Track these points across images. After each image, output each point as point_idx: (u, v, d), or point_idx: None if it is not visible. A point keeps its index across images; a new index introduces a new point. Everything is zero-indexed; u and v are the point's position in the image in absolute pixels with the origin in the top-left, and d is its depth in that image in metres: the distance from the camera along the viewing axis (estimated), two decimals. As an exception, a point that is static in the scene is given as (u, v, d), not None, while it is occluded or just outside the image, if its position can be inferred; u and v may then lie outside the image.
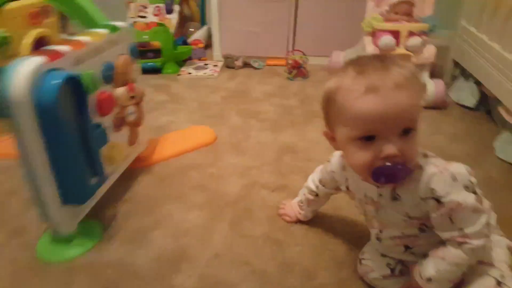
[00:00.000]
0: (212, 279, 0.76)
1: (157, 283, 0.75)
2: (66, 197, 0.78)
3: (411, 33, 1.43)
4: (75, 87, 0.76)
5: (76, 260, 0.80)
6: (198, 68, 1.91)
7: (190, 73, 1.85)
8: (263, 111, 1.47)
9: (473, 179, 0.59)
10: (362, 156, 0.58)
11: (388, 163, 0.56)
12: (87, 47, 0.83)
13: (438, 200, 0.58)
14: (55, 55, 0.75)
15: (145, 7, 2.14)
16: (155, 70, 1.86)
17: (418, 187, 0.59)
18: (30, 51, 1.32)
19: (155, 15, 2.12)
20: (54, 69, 0.73)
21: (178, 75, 1.84)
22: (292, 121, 1.40)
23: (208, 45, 2.20)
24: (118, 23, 0.97)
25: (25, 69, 0.68)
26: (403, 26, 1.43)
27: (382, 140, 0.56)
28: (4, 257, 0.81)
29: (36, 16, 1.36)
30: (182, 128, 1.34)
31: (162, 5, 2.12)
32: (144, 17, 2.12)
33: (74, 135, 0.76)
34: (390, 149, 0.56)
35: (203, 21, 2.33)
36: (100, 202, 0.91)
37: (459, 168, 0.59)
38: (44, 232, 0.86)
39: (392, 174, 0.58)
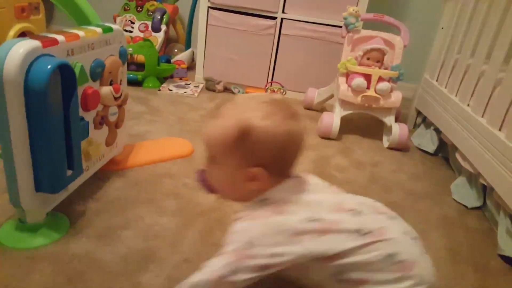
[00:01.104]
0: (180, 281, 0.75)
1: (123, 279, 0.73)
2: (39, 185, 0.76)
3: (381, 78, 1.54)
4: (65, 76, 0.77)
5: (40, 250, 0.77)
6: (179, 87, 1.94)
7: (170, 90, 1.87)
8: (240, 133, 1.50)
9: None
10: None
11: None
12: (80, 40, 0.85)
13: None
14: (50, 41, 0.76)
15: (132, 22, 2.18)
16: (136, 83, 1.87)
17: None
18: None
19: (141, 31, 2.16)
20: (47, 55, 0.74)
21: (159, 90, 1.86)
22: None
23: (190, 67, 2.24)
24: (112, 25, 1.00)
25: (19, 49, 0.69)
26: (374, 71, 1.54)
27: None
28: (-39, 242, 0.77)
29: (23, 10, 1.36)
30: (158, 139, 1.34)
31: (149, 23, 2.16)
32: (130, 31, 2.15)
33: (58, 123, 0.76)
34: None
35: (187, 44, 2.39)
36: (70, 197, 0.89)
37: (260, 225, 0.60)
38: (7, 219, 0.83)
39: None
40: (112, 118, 1.02)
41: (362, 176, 1.26)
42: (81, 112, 0.86)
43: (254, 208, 0.64)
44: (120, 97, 1.01)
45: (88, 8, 1.03)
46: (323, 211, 0.62)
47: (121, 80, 1.03)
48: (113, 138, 1.05)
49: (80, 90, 0.84)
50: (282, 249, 0.59)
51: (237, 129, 0.60)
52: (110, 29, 0.97)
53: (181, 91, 1.89)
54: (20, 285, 0.69)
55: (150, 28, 2.15)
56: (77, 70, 0.81)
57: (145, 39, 1.93)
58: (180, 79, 2.07)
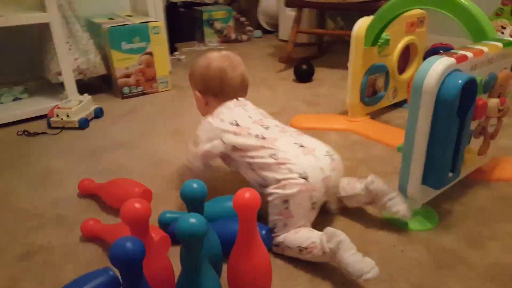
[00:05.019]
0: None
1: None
2: (426, 179, 0.90)
3: None
4: (467, 89, 0.85)
5: (414, 233, 0.93)
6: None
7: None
8: None
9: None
10: None
11: None
12: (484, 56, 0.91)
13: None
14: (461, 58, 0.86)
15: (504, 28, 2.04)
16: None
17: None
18: (399, 54, 1.54)
19: (513, 36, 1.99)
20: (457, 70, 0.84)
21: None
22: None
23: None
24: (514, 39, 1.00)
25: (439, 65, 0.82)
26: None
27: None
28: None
29: (412, 25, 1.56)
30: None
31: (525, 27, 1.96)
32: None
33: (454, 129, 0.86)
34: None
35: None
36: (439, 196, 0.99)
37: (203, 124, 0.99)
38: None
39: None
40: (490, 129, 1.04)
41: None
42: (467, 121, 0.93)
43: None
44: (503, 109, 1.01)
45: (486, 21, 1.07)
46: (244, 120, 0.94)
47: (507, 93, 1.02)
48: (486, 148, 1.07)
49: (473, 101, 0.91)
50: (215, 140, 0.94)
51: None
52: (510, 44, 0.97)
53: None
54: (400, 255, 0.86)
55: (525, 33, 1.95)
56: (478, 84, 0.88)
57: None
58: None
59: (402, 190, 0.94)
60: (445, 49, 1.92)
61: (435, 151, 0.87)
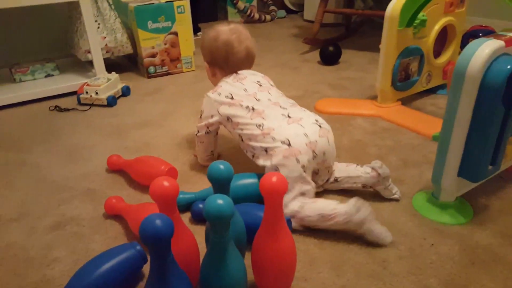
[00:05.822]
0: None
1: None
2: (463, 170, 0.84)
3: None
4: (515, 75, 0.79)
5: (446, 227, 0.88)
6: None
7: None
8: None
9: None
10: None
11: None
12: (536, 39, 0.83)
13: None
14: (511, 41, 0.79)
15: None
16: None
17: None
18: (435, 36, 1.46)
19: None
20: (506, 54, 0.78)
21: None
22: None
23: None
24: None
25: (485, 48, 0.76)
26: None
27: None
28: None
29: (451, 4, 1.46)
30: None
31: None
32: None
33: (499, 119, 0.80)
34: None
35: None
36: (474, 189, 0.93)
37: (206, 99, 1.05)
38: (419, 190, 0.99)
39: None
40: (536, 120, 0.97)
41: None
42: (511, 110, 0.87)
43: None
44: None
45: (538, 2, 0.98)
46: (239, 94, 0.99)
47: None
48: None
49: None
50: (213, 112, 1.01)
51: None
52: None
53: None
54: (429, 249, 0.82)
55: None
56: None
57: None
58: None
59: (436, 181, 0.89)
60: (486, 32, 1.81)
61: (475, 142, 0.81)
